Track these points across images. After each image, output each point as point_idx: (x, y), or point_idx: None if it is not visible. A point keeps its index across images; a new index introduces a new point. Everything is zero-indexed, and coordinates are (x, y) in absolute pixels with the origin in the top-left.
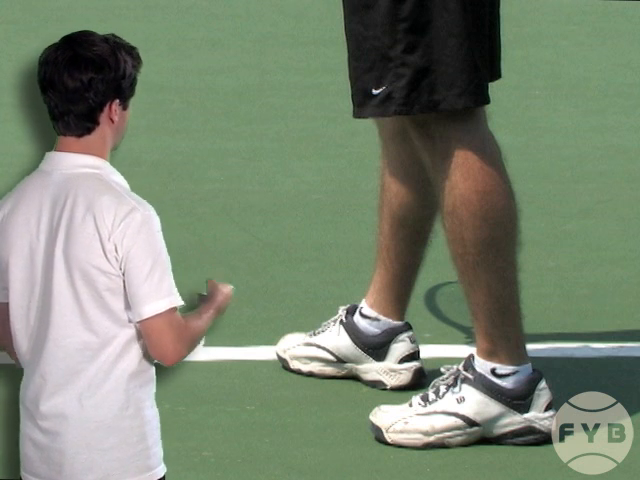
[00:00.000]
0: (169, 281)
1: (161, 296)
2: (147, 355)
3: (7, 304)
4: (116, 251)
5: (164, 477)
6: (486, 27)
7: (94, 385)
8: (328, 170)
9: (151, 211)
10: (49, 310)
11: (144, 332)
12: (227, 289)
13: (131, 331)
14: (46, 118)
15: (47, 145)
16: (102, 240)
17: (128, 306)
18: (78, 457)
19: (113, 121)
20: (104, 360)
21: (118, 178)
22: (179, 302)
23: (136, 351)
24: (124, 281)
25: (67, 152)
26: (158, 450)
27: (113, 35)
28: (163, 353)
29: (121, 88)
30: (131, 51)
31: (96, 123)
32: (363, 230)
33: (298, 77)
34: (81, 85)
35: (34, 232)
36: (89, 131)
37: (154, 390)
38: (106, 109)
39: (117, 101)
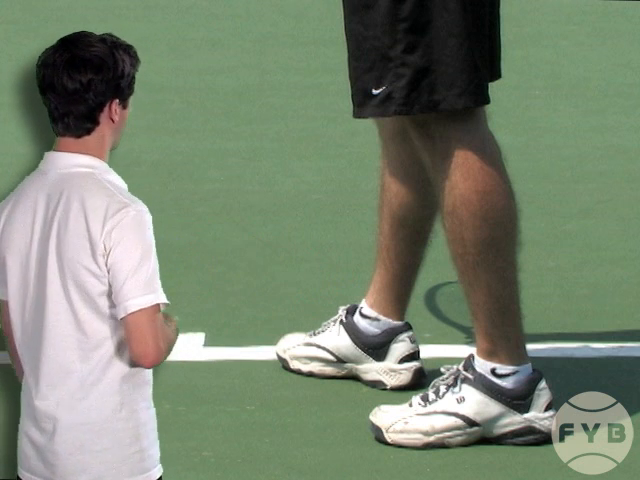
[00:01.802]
0: (156, 279)
1: (148, 291)
2: None
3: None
4: (105, 248)
5: (160, 478)
6: (486, 27)
7: (86, 386)
8: (328, 170)
9: (143, 208)
10: (43, 309)
11: (126, 328)
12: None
13: (123, 332)
14: (46, 119)
15: (48, 146)
16: (92, 240)
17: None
18: (71, 458)
19: (114, 121)
20: (97, 362)
21: (113, 177)
22: (164, 300)
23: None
24: (109, 276)
25: (64, 152)
26: (154, 452)
27: (110, 35)
28: (142, 351)
29: (120, 87)
30: (129, 50)
31: (96, 123)
32: (363, 230)
33: (298, 77)
34: (80, 86)
35: (29, 231)
36: (88, 132)
37: (150, 391)
38: (106, 109)
39: (117, 101)
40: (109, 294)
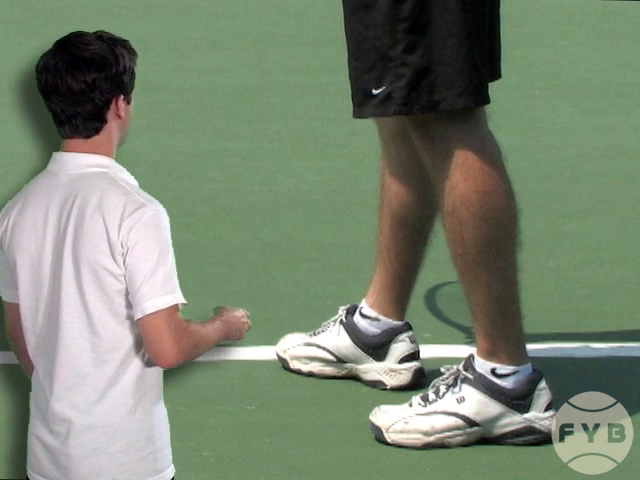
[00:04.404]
0: (174, 279)
1: (165, 292)
2: None
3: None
4: (122, 247)
5: (173, 479)
6: (486, 27)
7: (101, 389)
8: (328, 170)
9: (160, 208)
10: (57, 311)
11: (143, 329)
12: (240, 312)
13: (138, 333)
14: (47, 119)
15: (51, 146)
16: (110, 239)
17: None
18: (85, 461)
19: (120, 117)
20: (111, 364)
21: (126, 176)
22: (182, 300)
23: (143, 354)
24: (126, 276)
25: (74, 152)
26: (167, 452)
27: (103, 31)
28: (160, 353)
29: (124, 83)
30: (125, 44)
31: (104, 122)
32: (363, 230)
33: (298, 77)
34: (86, 86)
35: (41, 233)
36: (97, 131)
37: (162, 393)
38: (112, 106)
39: (121, 96)
40: (126, 293)
